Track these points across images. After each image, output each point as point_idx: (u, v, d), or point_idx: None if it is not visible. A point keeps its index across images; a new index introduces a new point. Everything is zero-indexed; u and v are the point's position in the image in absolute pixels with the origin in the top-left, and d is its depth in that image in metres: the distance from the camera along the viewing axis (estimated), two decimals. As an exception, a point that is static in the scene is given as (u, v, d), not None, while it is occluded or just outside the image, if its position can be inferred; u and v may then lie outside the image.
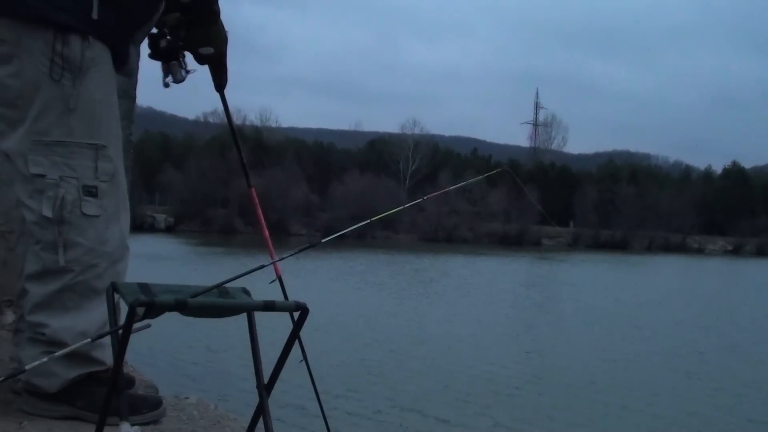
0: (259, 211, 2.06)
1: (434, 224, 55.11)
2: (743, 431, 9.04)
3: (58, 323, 1.61)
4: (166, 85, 1.89)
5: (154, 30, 1.85)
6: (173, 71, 1.88)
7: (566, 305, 20.70)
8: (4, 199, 1.70)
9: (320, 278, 22.41)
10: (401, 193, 55.43)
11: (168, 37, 1.83)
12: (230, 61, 1.91)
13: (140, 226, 44.02)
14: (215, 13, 1.81)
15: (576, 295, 23.43)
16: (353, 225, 2.07)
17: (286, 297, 1.93)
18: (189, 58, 1.89)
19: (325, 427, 2.15)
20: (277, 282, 1.99)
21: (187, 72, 1.90)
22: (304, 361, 2.01)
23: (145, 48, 1.90)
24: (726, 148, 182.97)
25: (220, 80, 1.94)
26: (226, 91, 1.98)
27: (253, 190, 2.11)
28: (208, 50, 1.84)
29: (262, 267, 1.71)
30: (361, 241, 44.01)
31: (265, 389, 1.30)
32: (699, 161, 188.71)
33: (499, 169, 2.81)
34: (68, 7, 1.57)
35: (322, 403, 2.18)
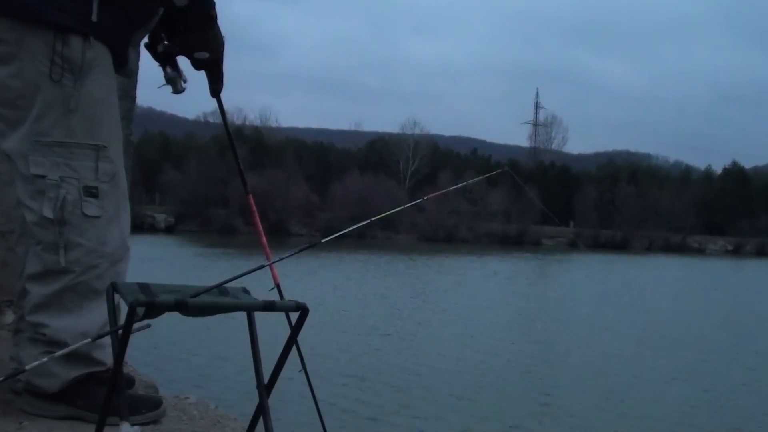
0: (257, 219, 2.04)
1: (434, 224, 55.02)
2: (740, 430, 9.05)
3: (58, 323, 1.61)
4: (161, 87, 1.90)
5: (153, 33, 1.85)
6: (173, 82, 1.88)
7: (565, 305, 20.69)
8: (4, 199, 1.70)
9: (320, 278, 22.38)
10: (401, 193, 55.31)
11: (165, 42, 1.83)
12: (227, 59, 1.91)
13: (140, 226, 43.95)
14: (212, 18, 1.80)
15: (575, 295, 23.42)
16: (353, 225, 2.06)
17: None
18: (186, 63, 1.89)
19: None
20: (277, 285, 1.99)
21: (184, 82, 1.90)
22: (303, 371, 1.99)
23: (145, 49, 1.90)
24: (726, 148, 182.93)
25: (216, 86, 1.93)
26: (223, 95, 1.98)
27: (251, 197, 2.09)
28: (204, 55, 1.83)
29: (262, 267, 1.71)
30: (361, 241, 43.96)
31: (265, 389, 1.30)
32: (699, 161, 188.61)
33: (500, 170, 2.76)
34: (68, 9, 1.57)
35: (321, 411, 2.16)
